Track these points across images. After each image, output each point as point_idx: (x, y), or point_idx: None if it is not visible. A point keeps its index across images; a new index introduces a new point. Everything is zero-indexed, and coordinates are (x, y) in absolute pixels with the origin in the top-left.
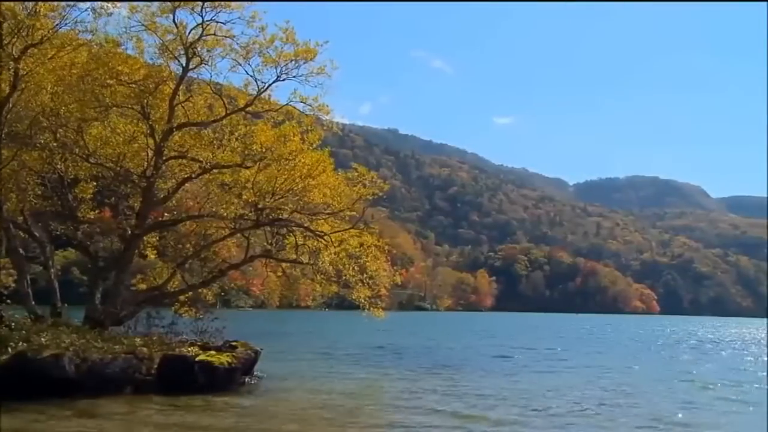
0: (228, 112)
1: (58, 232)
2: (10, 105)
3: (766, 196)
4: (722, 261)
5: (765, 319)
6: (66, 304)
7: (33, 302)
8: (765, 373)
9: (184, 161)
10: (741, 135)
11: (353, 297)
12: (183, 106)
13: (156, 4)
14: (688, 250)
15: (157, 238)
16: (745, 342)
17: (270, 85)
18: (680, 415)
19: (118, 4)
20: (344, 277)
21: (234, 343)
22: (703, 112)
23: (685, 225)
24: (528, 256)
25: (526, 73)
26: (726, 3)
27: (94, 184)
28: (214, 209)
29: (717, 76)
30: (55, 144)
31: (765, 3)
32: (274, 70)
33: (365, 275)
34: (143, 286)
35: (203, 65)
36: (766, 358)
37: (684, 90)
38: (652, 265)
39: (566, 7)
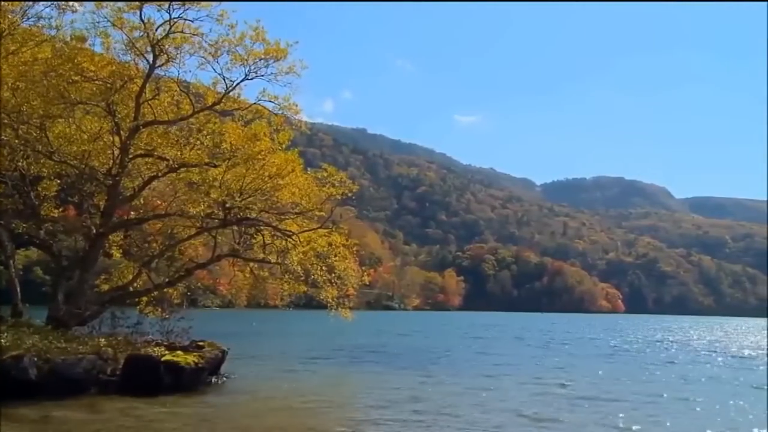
0: (195, 110)
1: (19, 231)
2: None
3: (726, 197)
4: (685, 261)
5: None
6: (28, 305)
7: None
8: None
9: (151, 159)
10: (703, 136)
11: (321, 297)
12: (150, 104)
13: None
14: (653, 250)
15: (123, 237)
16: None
17: (239, 83)
18: None
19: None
20: (312, 277)
21: (201, 343)
22: (667, 113)
23: (649, 225)
24: (495, 255)
25: (490, 72)
26: (692, 3)
27: (58, 181)
28: (181, 208)
29: (682, 77)
30: (17, 141)
31: (740, 3)
32: (243, 69)
33: (333, 275)
34: (106, 287)
35: (171, 63)
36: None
37: (649, 91)
38: (618, 265)
39: (527, 6)
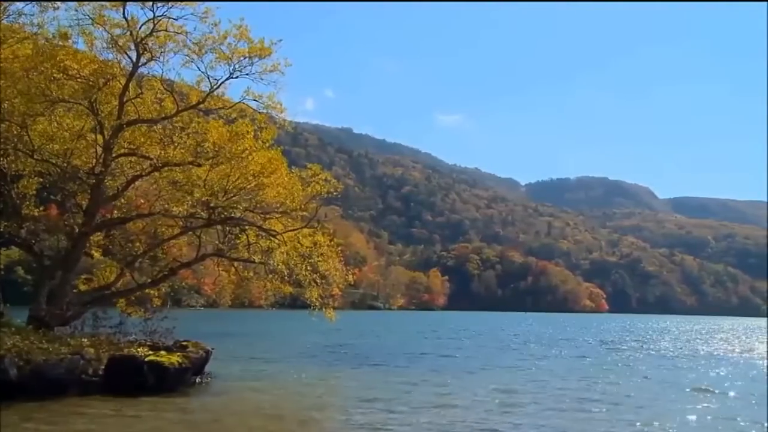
0: (180, 109)
1: (0, 230)
2: None
3: (709, 197)
4: (668, 260)
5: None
6: (8, 305)
7: None
8: None
9: (134, 158)
10: (687, 137)
11: (306, 297)
12: (133, 102)
13: None
14: (636, 250)
15: (105, 236)
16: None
17: (223, 82)
18: None
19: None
20: (296, 277)
21: (185, 343)
22: (651, 113)
23: (633, 225)
24: (480, 255)
25: (470, 71)
26: (678, 3)
27: (39, 180)
28: (164, 207)
29: (666, 77)
30: None
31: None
32: (227, 67)
33: (317, 275)
34: (88, 287)
35: (154, 61)
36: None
37: (633, 91)
38: (602, 265)
39: (510, 6)
